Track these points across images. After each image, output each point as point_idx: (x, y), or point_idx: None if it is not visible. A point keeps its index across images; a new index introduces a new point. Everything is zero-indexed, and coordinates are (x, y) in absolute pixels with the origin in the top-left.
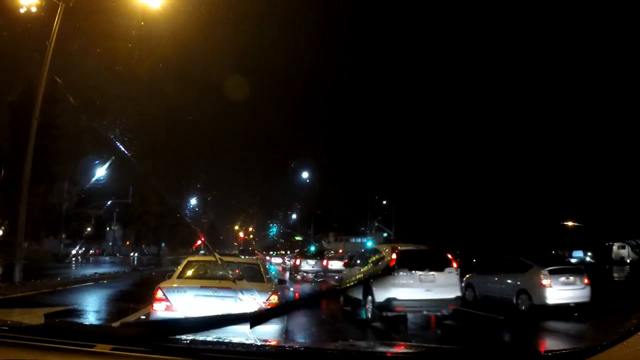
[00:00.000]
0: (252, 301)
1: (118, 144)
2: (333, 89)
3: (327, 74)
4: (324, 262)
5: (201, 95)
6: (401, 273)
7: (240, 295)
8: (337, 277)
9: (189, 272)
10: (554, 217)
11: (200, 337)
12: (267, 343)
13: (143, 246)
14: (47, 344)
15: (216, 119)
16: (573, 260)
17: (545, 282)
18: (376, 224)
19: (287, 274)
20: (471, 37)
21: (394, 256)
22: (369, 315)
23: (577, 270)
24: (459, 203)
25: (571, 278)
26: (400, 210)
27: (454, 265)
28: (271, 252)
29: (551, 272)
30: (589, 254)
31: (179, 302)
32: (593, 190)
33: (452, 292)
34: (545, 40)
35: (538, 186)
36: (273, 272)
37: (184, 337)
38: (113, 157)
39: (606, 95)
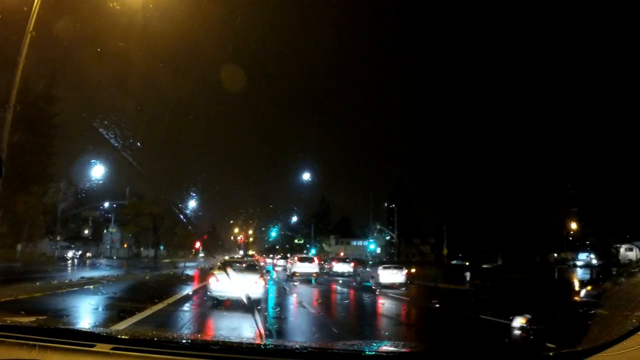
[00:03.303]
0: (255, 277)
1: (115, 142)
2: (334, 89)
3: (328, 74)
4: (288, 261)
5: (201, 94)
6: (297, 263)
7: (247, 276)
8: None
9: (224, 265)
10: (559, 220)
11: (201, 336)
12: (266, 343)
13: (142, 249)
14: (48, 344)
15: (216, 120)
16: (579, 263)
17: (379, 272)
18: (378, 227)
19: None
20: (472, 36)
21: (296, 258)
22: (289, 277)
23: (399, 267)
24: (463, 206)
25: (395, 271)
26: (402, 213)
27: (316, 261)
28: (271, 255)
29: (383, 267)
30: (592, 256)
31: (222, 278)
32: (599, 193)
33: (314, 270)
34: (543, 45)
35: (544, 189)
36: (271, 272)
37: (184, 336)
38: (110, 157)
39: (620, 99)
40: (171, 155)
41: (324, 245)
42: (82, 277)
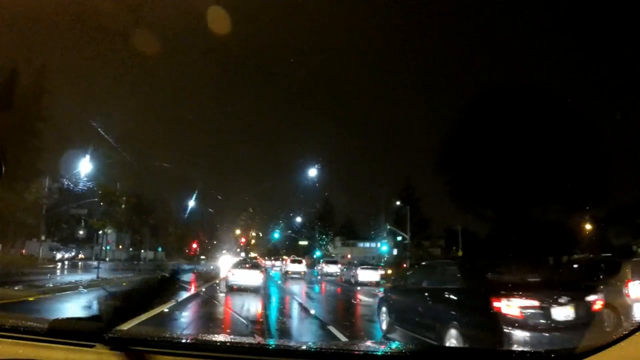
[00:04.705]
0: (257, 272)
1: (108, 137)
2: (337, 88)
3: (332, 73)
4: (285, 262)
5: (203, 91)
6: (289, 264)
7: (252, 271)
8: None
9: (237, 263)
10: (577, 221)
11: (201, 336)
12: (268, 343)
13: (142, 251)
14: (48, 344)
15: (218, 118)
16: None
17: (358, 272)
18: (388, 227)
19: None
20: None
21: (287, 259)
22: (283, 275)
23: (375, 267)
24: (482, 207)
25: (371, 271)
26: (411, 215)
27: (304, 262)
28: (272, 257)
29: (362, 268)
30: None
31: (236, 273)
32: (622, 193)
33: (302, 269)
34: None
35: (562, 191)
36: (270, 272)
37: (185, 336)
38: (103, 154)
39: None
40: (170, 152)
41: (328, 247)
42: (30, 284)
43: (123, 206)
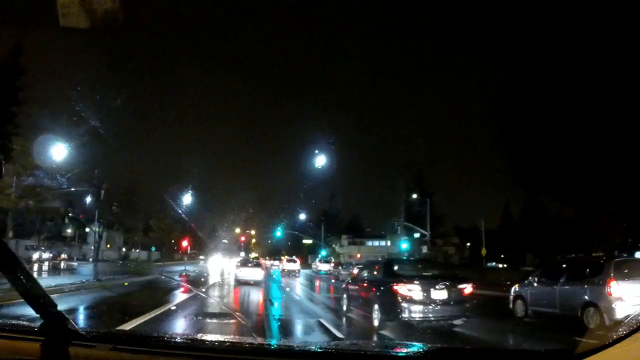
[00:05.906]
0: (259, 269)
1: (94, 124)
2: (340, 84)
3: (333, 65)
4: (282, 261)
5: (201, 86)
6: (285, 263)
7: (255, 269)
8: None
9: (241, 262)
10: (605, 221)
11: (201, 336)
12: (267, 343)
13: (134, 250)
14: (48, 343)
15: (215, 105)
16: None
17: (354, 272)
18: (403, 223)
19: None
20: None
21: (284, 259)
22: (281, 272)
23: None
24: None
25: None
26: (424, 212)
27: (298, 261)
28: (274, 257)
29: (357, 268)
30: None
31: (242, 270)
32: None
33: (297, 267)
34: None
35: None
36: (271, 271)
37: (185, 336)
38: (89, 145)
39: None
40: (169, 150)
41: (334, 246)
42: None
43: (102, 197)
